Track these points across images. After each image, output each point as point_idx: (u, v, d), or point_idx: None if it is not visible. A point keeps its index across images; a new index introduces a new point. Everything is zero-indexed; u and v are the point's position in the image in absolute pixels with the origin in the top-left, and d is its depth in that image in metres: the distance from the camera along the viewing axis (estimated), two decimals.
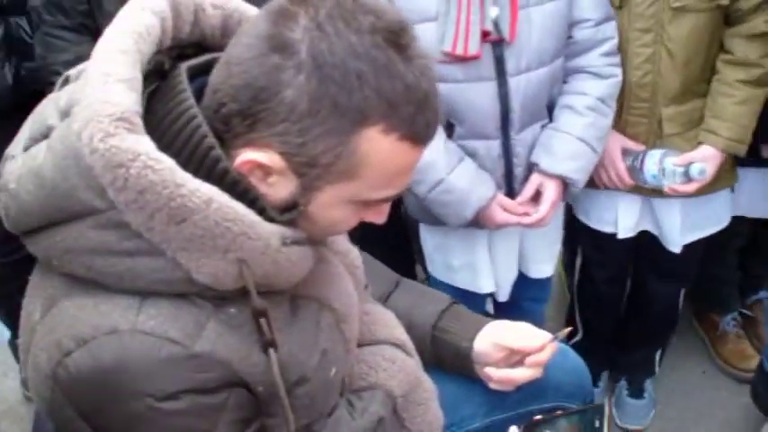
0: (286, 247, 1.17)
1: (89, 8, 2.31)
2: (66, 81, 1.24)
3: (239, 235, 1.12)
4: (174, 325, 1.13)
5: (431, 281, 2.59)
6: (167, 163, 1.09)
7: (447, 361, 1.70)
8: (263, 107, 1.10)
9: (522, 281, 2.55)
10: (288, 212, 1.19)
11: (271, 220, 1.17)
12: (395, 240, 2.76)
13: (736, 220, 2.73)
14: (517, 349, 1.66)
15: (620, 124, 2.33)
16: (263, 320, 1.17)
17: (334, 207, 1.20)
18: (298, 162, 1.14)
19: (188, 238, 1.10)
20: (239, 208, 1.12)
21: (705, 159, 2.29)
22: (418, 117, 1.14)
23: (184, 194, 1.08)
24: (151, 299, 1.14)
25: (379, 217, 1.29)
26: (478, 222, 2.23)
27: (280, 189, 1.18)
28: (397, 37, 1.12)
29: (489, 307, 2.56)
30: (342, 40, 1.09)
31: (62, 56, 2.32)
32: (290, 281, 1.23)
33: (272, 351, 1.18)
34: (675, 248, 2.55)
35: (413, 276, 2.81)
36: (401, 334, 1.58)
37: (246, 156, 1.14)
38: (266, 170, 1.15)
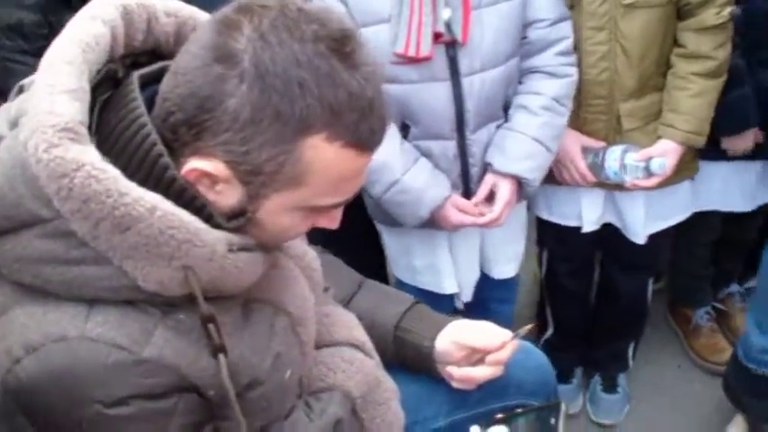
0: (233, 254, 1.18)
1: (49, 31, 2.28)
2: (21, 90, 1.26)
3: (184, 242, 1.13)
4: (122, 331, 1.14)
5: (396, 282, 2.60)
6: (111, 172, 1.10)
7: (409, 360, 1.71)
8: (208, 116, 1.11)
9: (488, 282, 2.56)
10: (236, 219, 1.21)
11: (219, 226, 1.18)
12: (366, 240, 2.77)
13: (707, 215, 2.77)
14: (478, 348, 1.67)
15: (578, 122, 2.35)
16: (211, 326, 1.18)
17: (282, 214, 1.22)
18: (243, 170, 1.15)
19: (133, 245, 1.11)
20: (184, 215, 1.13)
21: (665, 153, 2.32)
22: (362, 124, 1.15)
23: (128, 203, 1.09)
24: (99, 306, 1.15)
25: (332, 222, 1.31)
26: (435, 223, 2.24)
27: (227, 197, 1.19)
28: (340, 45, 1.13)
29: (460, 304, 2.57)
30: (284, 50, 1.10)
31: (22, 80, 2.30)
32: (240, 286, 1.24)
33: (221, 356, 1.19)
34: (639, 240, 2.57)
35: (384, 275, 2.82)
36: (361, 335, 1.59)
37: (193, 164, 1.15)
38: (212, 178, 1.16)
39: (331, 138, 1.13)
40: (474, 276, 2.51)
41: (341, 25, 1.16)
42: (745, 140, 2.55)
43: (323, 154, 1.14)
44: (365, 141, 1.17)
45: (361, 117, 1.14)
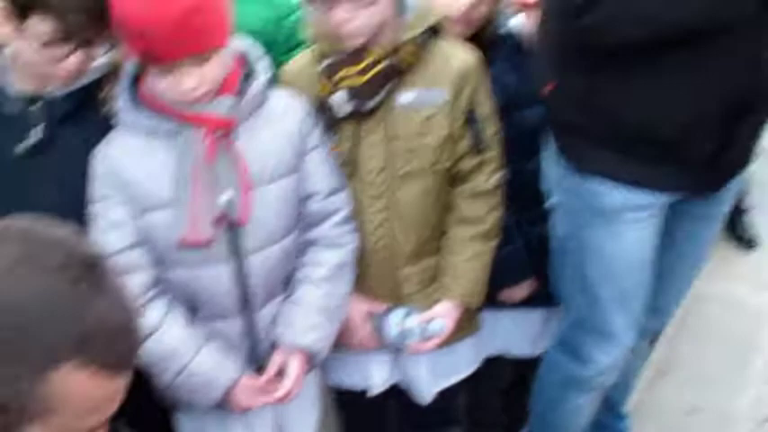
0: None
1: None
2: None
3: None
4: None
5: None
6: None
7: None
8: None
9: None
10: None
11: None
12: (159, 423, 2.68)
13: (498, 363, 2.85)
14: None
15: (361, 287, 2.38)
16: None
17: None
18: None
19: None
20: None
21: (444, 315, 2.39)
22: (112, 349, 1.13)
23: None
24: None
25: None
26: (228, 403, 2.21)
27: None
28: (88, 272, 1.13)
29: None
30: (29, 282, 1.08)
31: None
32: None
33: None
34: (425, 399, 2.60)
35: None
36: None
37: None
38: None
39: (80, 366, 1.11)
40: None
41: (88, 251, 1.16)
42: (522, 290, 2.69)
43: (74, 382, 1.11)
44: (116, 365, 1.16)
45: (109, 342, 1.13)
